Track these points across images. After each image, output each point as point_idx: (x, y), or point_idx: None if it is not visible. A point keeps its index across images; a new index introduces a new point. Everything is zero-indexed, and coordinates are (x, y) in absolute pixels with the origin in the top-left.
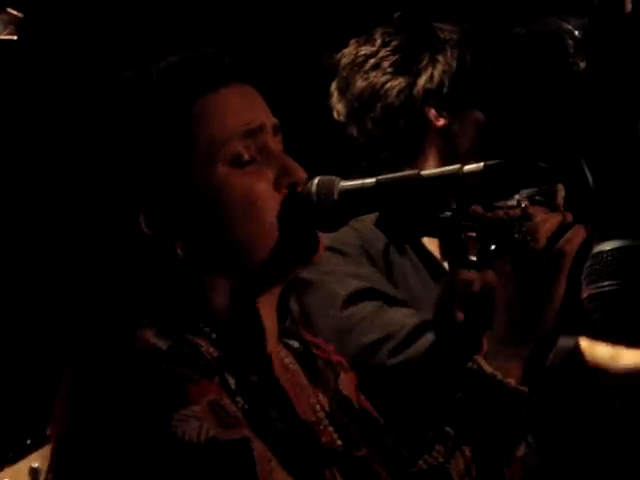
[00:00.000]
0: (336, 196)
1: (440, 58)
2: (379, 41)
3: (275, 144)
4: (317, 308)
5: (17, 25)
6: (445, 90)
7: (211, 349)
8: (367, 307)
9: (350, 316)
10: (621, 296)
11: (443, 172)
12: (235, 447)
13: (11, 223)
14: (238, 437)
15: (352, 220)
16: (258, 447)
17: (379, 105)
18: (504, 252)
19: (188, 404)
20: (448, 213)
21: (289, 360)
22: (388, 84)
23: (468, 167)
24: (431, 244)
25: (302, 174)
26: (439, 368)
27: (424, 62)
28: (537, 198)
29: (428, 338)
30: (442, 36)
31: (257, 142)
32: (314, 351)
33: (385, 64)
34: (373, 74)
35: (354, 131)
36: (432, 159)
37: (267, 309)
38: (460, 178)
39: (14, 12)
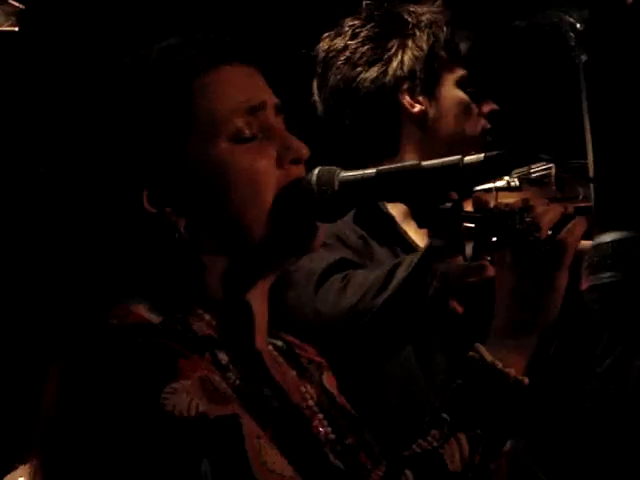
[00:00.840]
0: (337, 187)
1: (409, 43)
2: (349, 33)
3: (277, 122)
4: (297, 290)
5: (18, 16)
6: (418, 74)
7: (203, 326)
8: (339, 279)
9: (328, 290)
10: (621, 288)
11: (444, 163)
12: (224, 423)
13: (9, 208)
14: (227, 413)
15: None
16: (247, 423)
17: (353, 99)
18: (505, 243)
19: (179, 378)
20: (448, 204)
21: (276, 354)
22: (360, 76)
23: (468, 158)
24: (417, 234)
25: (305, 151)
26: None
27: (393, 49)
28: (532, 177)
29: (399, 276)
30: (410, 20)
31: (259, 119)
32: (296, 351)
33: (356, 57)
34: (345, 68)
35: (333, 127)
36: (411, 147)
37: (259, 300)
38: (460, 169)
39: (15, 3)
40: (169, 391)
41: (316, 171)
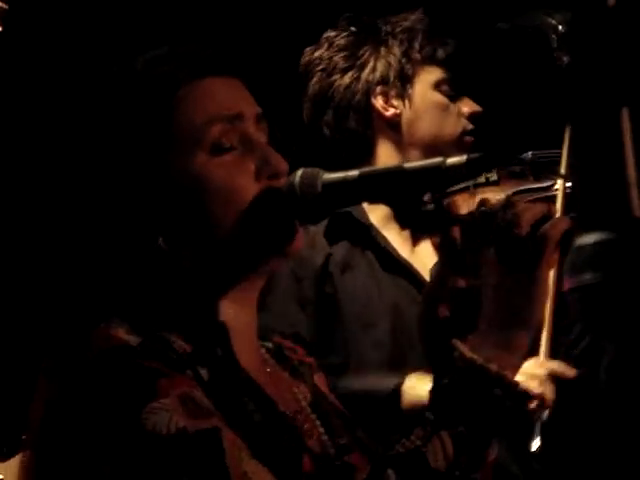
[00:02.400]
0: (319, 188)
1: (382, 49)
2: (325, 44)
3: (257, 134)
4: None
5: (2, 16)
6: (392, 79)
7: (184, 344)
8: None
9: None
10: (602, 289)
11: (426, 165)
12: (204, 437)
13: None
14: (207, 427)
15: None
16: (228, 436)
17: (329, 107)
18: (489, 241)
19: (158, 397)
20: (431, 205)
21: (267, 356)
22: (335, 84)
23: (451, 159)
24: (398, 238)
25: (283, 165)
26: None
27: (365, 56)
28: (509, 170)
29: None
30: (384, 29)
31: (238, 130)
32: (286, 353)
33: (331, 66)
34: (322, 77)
35: (315, 136)
36: (387, 151)
37: (246, 303)
38: (443, 170)
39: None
40: (149, 411)
41: (299, 172)
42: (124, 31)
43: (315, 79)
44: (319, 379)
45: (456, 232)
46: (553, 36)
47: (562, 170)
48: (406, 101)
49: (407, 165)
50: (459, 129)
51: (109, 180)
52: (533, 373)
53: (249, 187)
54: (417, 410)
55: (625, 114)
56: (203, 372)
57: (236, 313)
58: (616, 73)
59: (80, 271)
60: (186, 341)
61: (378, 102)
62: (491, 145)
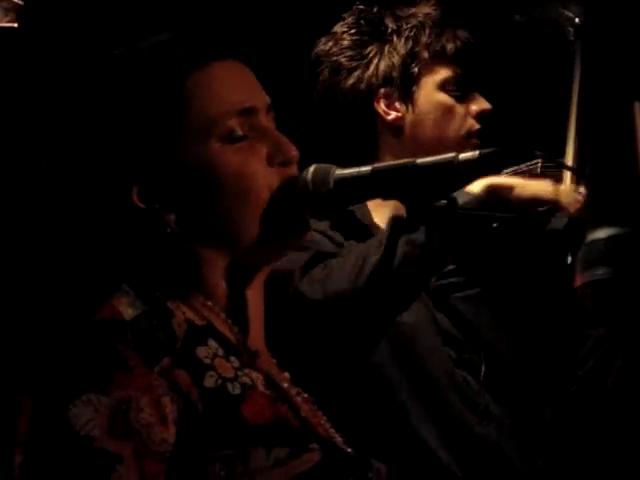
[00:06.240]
0: (332, 184)
1: (386, 49)
2: (333, 40)
3: (268, 122)
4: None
5: (18, 12)
6: (395, 80)
7: (202, 313)
8: (320, 269)
9: (310, 282)
10: (614, 284)
11: (439, 160)
12: (101, 458)
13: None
14: (111, 450)
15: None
16: (124, 472)
17: (333, 107)
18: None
19: (100, 390)
20: (443, 201)
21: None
22: (340, 85)
23: (463, 155)
24: None
25: (295, 152)
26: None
27: (370, 55)
28: (520, 171)
29: (372, 260)
30: (390, 26)
31: (250, 120)
32: None
33: (336, 64)
34: (328, 75)
35: (321, 134)
36: (389, 155)
37: (254, 295)
38: (455, 166)
39: None
40: (83, 400)
41: (312, 168)
42: (134, 21)
43: (321, 77)
44: None
45: None
46: (569, 29)
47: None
48: (409, 103)
49: (419, 161)
50: (463, 131)
51: (119, 164)
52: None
53: (262, 173)
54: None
55: (637, 108)
56: (202, 351)
57: (244, 297)
58: (628, 66)
59: (91, 248)
60: (208, 309)
61: (380, 106)
62: (502, 141)
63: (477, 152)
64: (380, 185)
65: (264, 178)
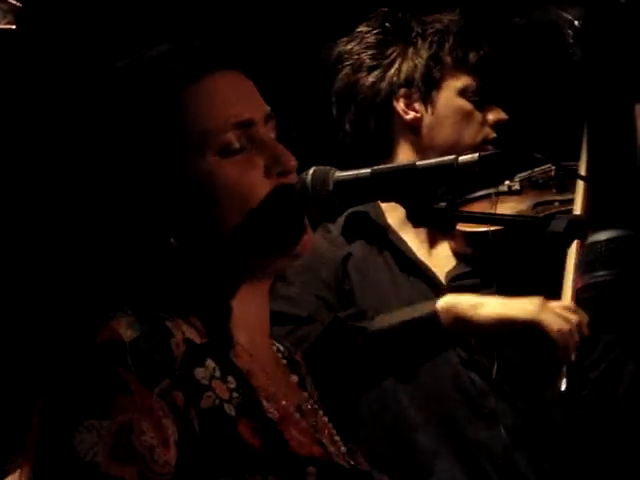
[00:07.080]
0: (331, 187)
1: (410, 51)
2: (356, 39)
3: (266, 132)
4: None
5: (16, 14)
6: (416, 82)
7: (194, 335)
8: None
9: None
10: (615, 286)
11: (439, 162)
12: None
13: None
14: (115, 475)
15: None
16: None
17: (352, 104)
18: None
19: (102, 416)
20: (443, 204)
21: (279, 355)
22: (360, 82)
23: (463, 158)
24: (415, 240)
25: (292, 162)
26: None
27: (393, 55)
28: (533, 180)
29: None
30: (416, 29)
31: (247, 132)
32: (295, 358)
33: (358, 62)
34: (348, 73)
35: (340, 133)
36: (406, 154)
37: (258, 299)
38: (455, 169)
39: (13, 1)
40: (86, 425)
41: (311, 171)
42: (133, 25)
43: (341, 74)
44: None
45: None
46: (569, 31)
47: (582, 171)
48: (428, 106)
49: (419, 163)
50: (480, 137)
51: (117, 178)
52: (564, 314)
53: (259, 184)
54: (459, 325)
55: (638, 110)
56: (200, 372)
57: (246, 309)
58: (628, 69)
59: (91, 267)
60: (197, 331)
61: (399, 105)
62: (505, 144)
63: (476, 155)
64: (380, 187)
65: (262, 190)
